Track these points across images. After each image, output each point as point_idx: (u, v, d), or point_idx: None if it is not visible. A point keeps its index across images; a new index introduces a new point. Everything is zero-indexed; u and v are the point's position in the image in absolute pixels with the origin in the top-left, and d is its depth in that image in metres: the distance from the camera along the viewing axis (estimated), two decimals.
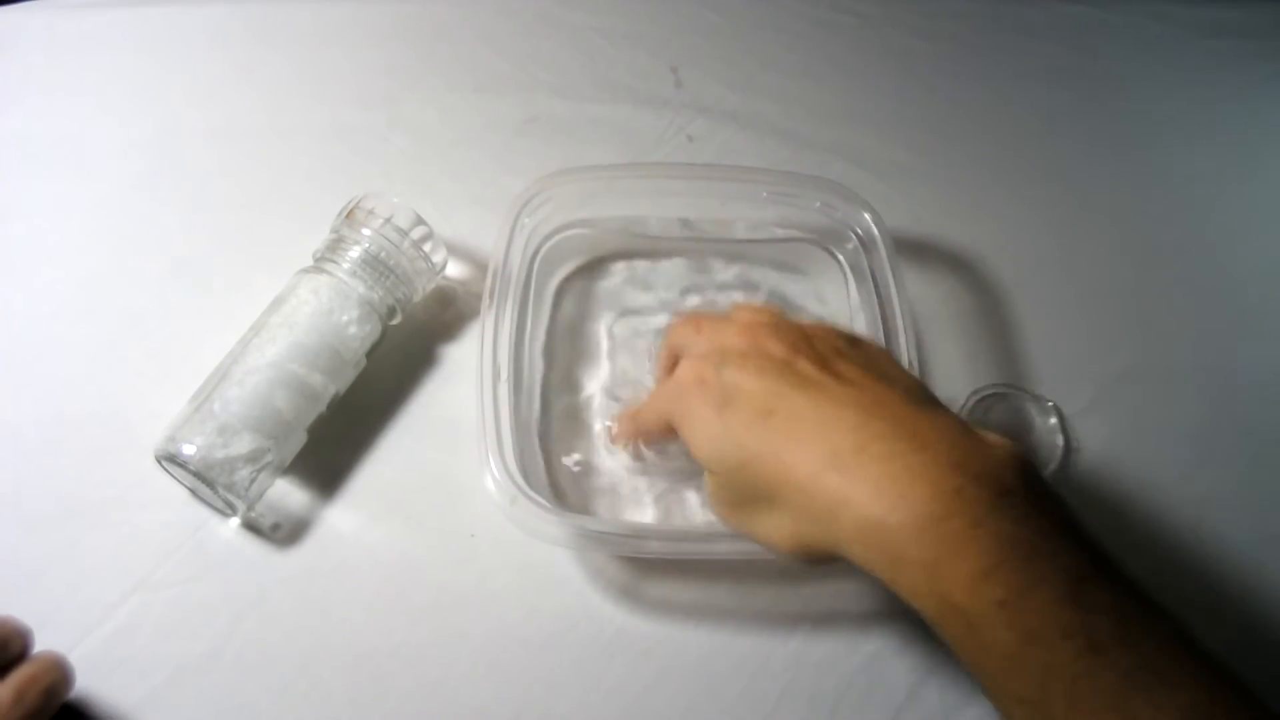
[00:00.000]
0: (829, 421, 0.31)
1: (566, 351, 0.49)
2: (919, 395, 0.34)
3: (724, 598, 0.43)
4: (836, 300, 0.51)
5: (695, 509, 0.45)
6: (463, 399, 0.44)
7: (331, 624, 0.41)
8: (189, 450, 0.40)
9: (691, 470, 0.45)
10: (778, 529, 0.33)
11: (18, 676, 0.31)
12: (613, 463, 0.46)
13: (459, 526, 0.44)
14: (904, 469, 0.29)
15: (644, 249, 0.53)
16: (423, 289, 0.48)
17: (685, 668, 0.41)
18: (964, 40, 0.66)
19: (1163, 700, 0.26)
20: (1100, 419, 0.50)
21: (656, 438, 0.43)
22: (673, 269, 0.52)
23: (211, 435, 0.40)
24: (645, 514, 0.45)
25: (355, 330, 0.44)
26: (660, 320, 0.50)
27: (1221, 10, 0.69)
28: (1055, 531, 0.29)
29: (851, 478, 0.30)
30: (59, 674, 0.32)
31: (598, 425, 0.47)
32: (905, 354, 0.45)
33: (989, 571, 0.27)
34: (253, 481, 0.41)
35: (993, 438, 0.31)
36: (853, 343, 0.36)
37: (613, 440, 0.45)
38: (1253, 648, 0.35)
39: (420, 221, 0.46)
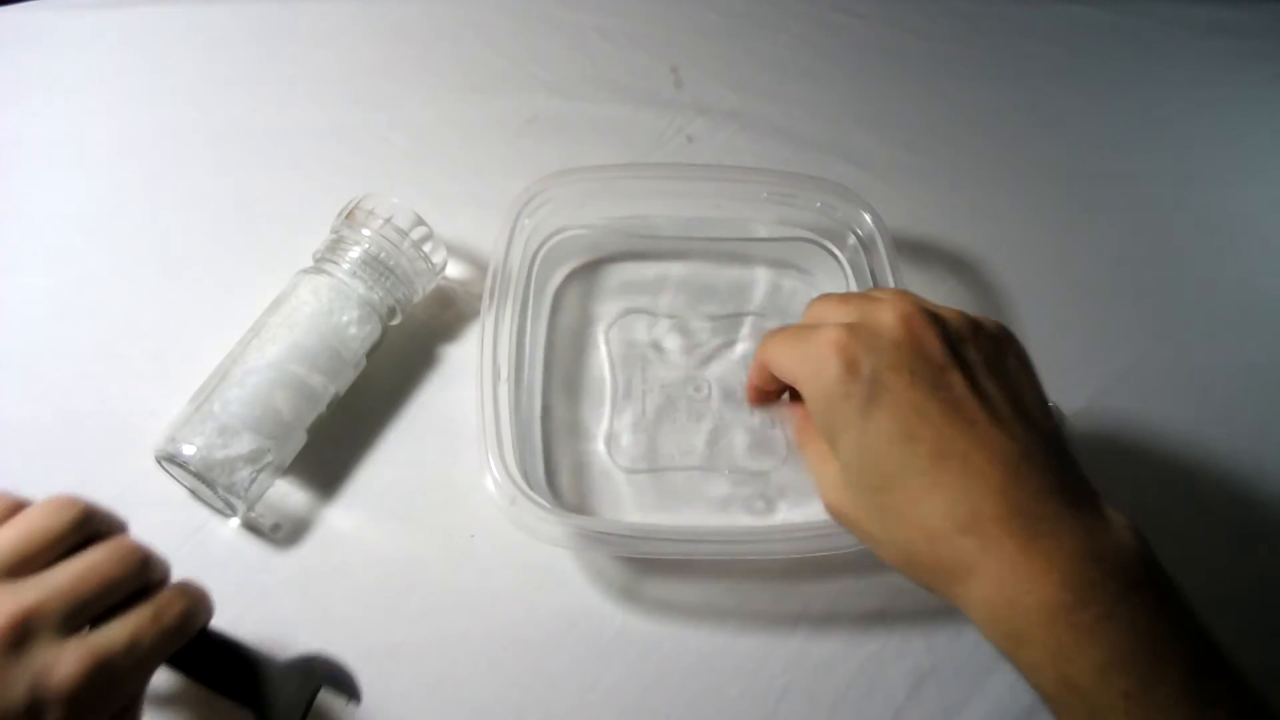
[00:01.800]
0: (974, 477, 0.31)
1: (566, 352, 0.49)
2: (1053, 442, 0.33)
3: (724, 598, 0.43)
4: None
5: (696, 509, 0.45)
6: (463, 399, 0.44)
7: (331, 624, 0.41)
8: (189, 450, 0.40)
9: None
10: (890, 551, 0.33)
11: (158, 599, 0.32)
12: (613, 463, 0.46)
13: (459, 526, 0.44)
14: (1040, 552, 0.29)
15: (644, 249, 0.53)
16: (423, 289, 0.48)
17: (685, 668, 0.41)
18: (964, 40, 0.66)
19: None
20: (1100, 419, 0.50)
21: (767, 394, 0.39)
22: (673, 269, 0.52)
23: (211, 435, 0.40)
24: (645, 514, 0.45)
25: (355, 331, 0.44)
26: (660, 321, 0.50)
27: (1221, 11, 0.69)
28: (1177, 622, 0.29)
29: (987, 550, 0.30)
30: (198, 597, 0.33)
31: (602, 428, 0.47)
32: None
33: (1116, 663, 0.28)
34: (253, 482, 0.41)
35: (1117, 517, 0.31)
36: (998, 347, 0.35)
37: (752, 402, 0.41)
38: (1253, 645, 0.35)
39: (420, 222, 0.46)
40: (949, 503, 0.31)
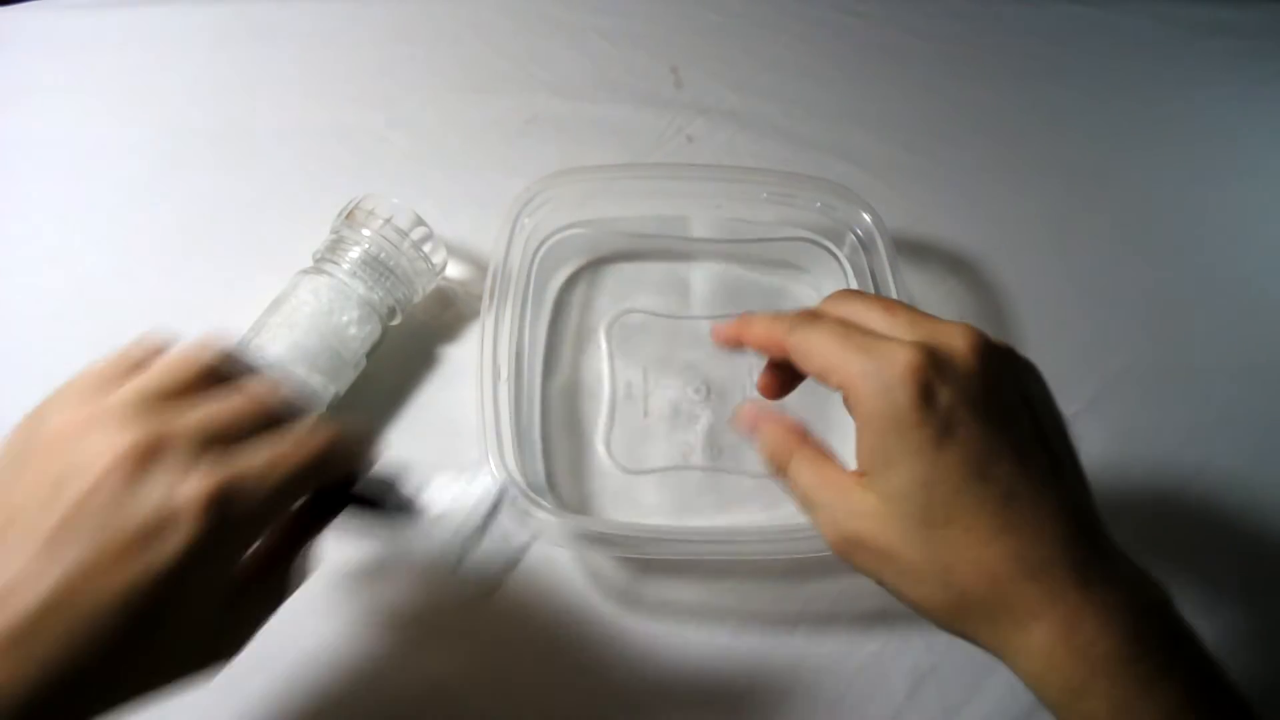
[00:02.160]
0: (1044, 522, 0.30)
1: (566, 352, 0.49)
2: (1089, 493, 0.33)
3: (724, 598, 0.43)
4: None
5: (696, 509, 0.45)
6: (463, 399, 0.44)
7: (331, 625, 0.41)
8: None
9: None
10: (933, 589, 0.31)
11: (299, 427, 0.30)
12: (612, 463, 0.46)
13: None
14: (1103, 604, 0.29)
15: (644, 249, 0.53)
16: (423, 290, 0.48)
17: (685, 668, 0.41)
18: (964, 40, 0.66)
19: None
20: (1100, 419, 0.50)
21: (739, 348, 0.36)
22: (672, 269, 0.52)
23: None
24: (645, 514, 0.45)
25: (355, 331, 0.44)
26: (660, 321, 0.50)
27: (1221, 10, 0.69)
28: (1215, 672, 0.30)
29: (1054, 598, 0.29)
30: (350, 432, 0.31)
31: (601, 428, 0.47)
32: None
33: (1175, 714, 0.28)
34: None
35: (1146, 572, 0.31)
36: (1043, 388, 0.34)
37: (718, 338, 0.36)
38: (1253, 646, 0.35)
39: (420, 222, 0.46)
40: (1019, 547, 0.30)
